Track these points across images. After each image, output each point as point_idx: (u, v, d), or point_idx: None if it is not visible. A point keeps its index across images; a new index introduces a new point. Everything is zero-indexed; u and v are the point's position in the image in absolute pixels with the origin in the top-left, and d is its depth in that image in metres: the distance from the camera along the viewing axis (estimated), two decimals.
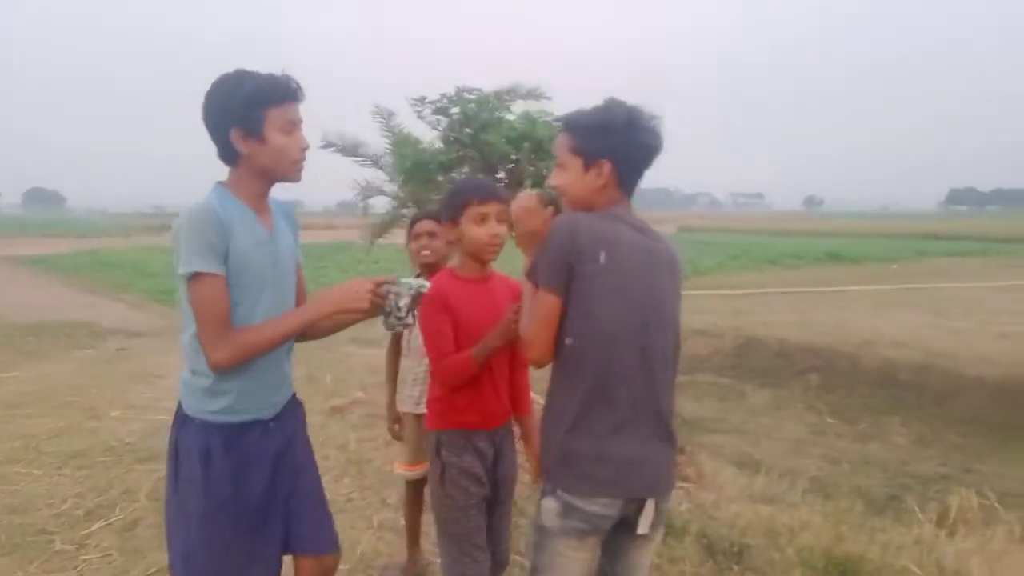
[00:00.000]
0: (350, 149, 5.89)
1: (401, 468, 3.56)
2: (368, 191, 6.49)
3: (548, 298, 1.96)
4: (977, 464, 6.73)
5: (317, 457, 3.94)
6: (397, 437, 3.64)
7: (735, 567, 3.14)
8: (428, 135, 6.43)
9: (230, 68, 2.10)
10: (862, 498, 4.43)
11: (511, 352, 2.56)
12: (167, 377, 8.54)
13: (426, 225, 3.50)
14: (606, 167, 2.01)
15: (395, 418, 3.63)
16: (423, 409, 3.55)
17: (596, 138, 2.01)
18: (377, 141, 6.59)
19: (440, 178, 6.22)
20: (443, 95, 5.88)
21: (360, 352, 6.73)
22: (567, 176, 2.06)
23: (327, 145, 5.83)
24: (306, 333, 2.22)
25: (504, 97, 5.94)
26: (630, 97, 2.09)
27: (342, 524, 3.54)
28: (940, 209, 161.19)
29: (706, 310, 13.48)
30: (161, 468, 5.45)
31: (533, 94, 6.01)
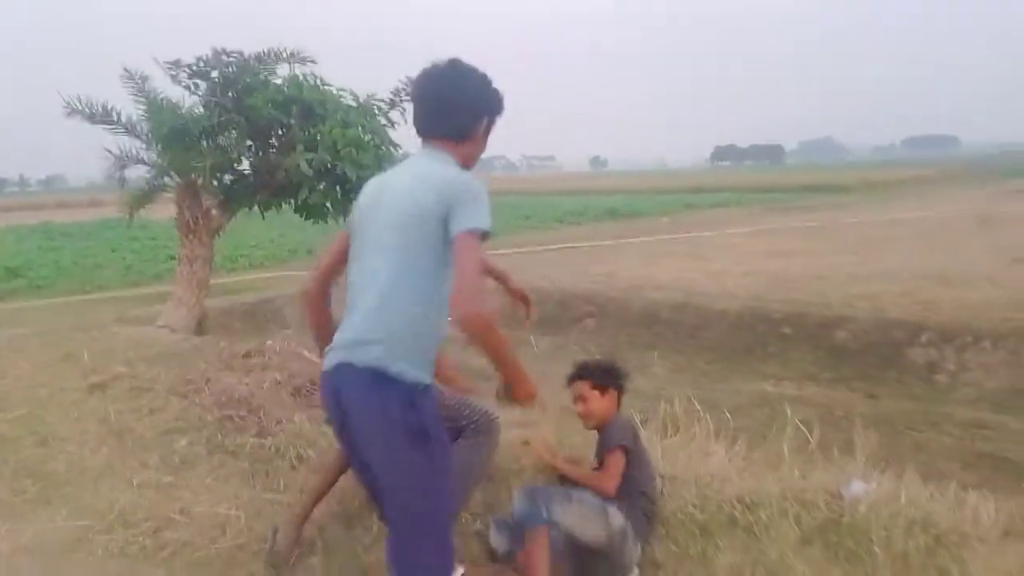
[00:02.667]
0: (99, 116, 5.52)
1: None
2: (124, 160, 6.11)
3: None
4: (720, 384, 7.78)
5: (76, 432, 3.83)
6: None
7: None
8: (190, 100, 6.17)
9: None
10: None
11: None
12: None
13: None
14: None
15: None
16: None
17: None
18: (131, 107, 6.21)
19: (205, 144, 6.00)
20: (199, 58, 5.67)
21: (125, 331, 6.42)
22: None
23: (71, 112, 5.42)
24: None
25: (266, 60, 5.83)
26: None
27: (103, 488, 3.49)
28: (707, 165, 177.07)
29: None
30: None
31: (297, 57, 5.96)
